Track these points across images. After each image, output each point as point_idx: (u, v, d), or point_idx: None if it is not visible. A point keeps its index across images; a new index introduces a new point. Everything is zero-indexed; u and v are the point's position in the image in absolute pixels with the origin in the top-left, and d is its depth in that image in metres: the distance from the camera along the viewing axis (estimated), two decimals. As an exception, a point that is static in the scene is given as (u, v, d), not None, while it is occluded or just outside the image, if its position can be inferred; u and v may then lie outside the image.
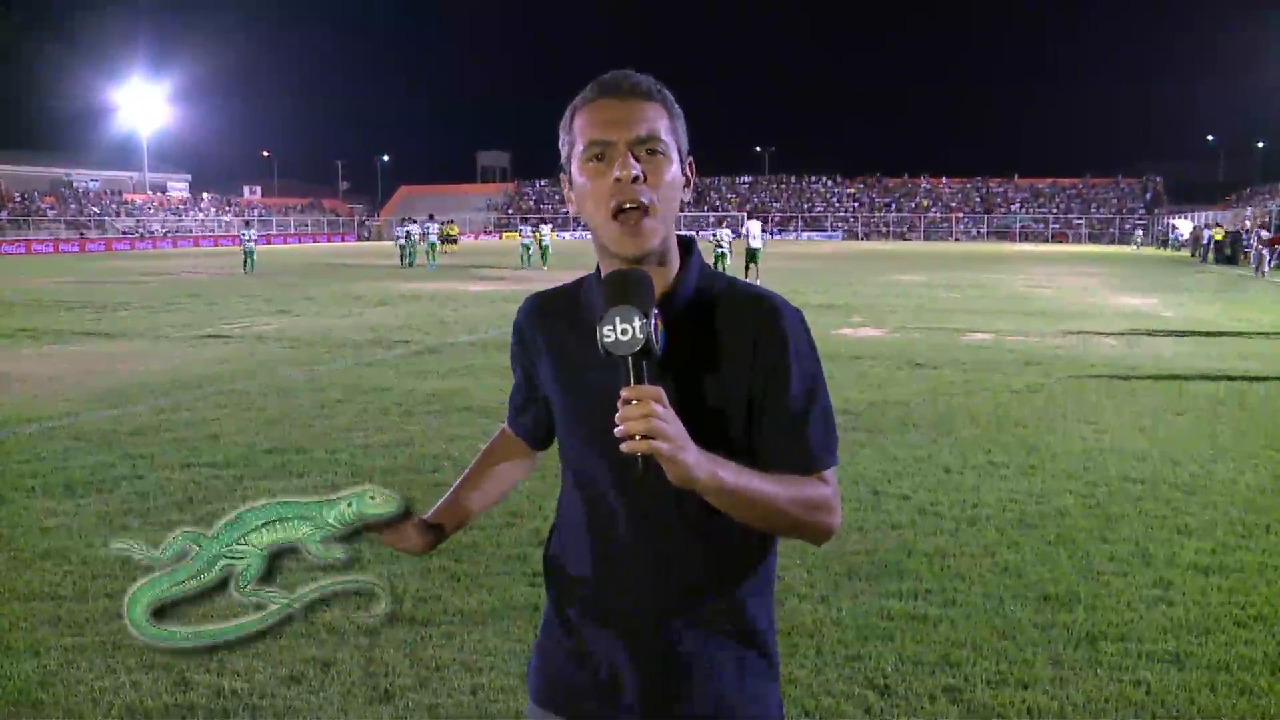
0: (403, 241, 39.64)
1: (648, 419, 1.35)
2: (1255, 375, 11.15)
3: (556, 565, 1.73)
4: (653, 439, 1.35)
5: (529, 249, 38.45)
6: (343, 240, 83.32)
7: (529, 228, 41.17)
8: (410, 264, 37.98)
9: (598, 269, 1.65)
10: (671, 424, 1.37)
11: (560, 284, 1.78)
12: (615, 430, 1.37)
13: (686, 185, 1.62)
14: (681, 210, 1.63)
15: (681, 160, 1.60)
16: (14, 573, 4.87)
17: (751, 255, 25.40)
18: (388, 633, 4.16)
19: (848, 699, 3.69)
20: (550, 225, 43.22)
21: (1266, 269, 32.84)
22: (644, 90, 1.55)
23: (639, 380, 1.39)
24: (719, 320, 1.57)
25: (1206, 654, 4.04)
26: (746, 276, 23.72)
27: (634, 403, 1.37)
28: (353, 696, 3.72)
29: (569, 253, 44.52)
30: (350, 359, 12.35)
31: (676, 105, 1.60)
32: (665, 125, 1.56)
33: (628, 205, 1.52)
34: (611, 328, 1.40)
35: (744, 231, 27.21)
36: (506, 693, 3.73)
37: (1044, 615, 4.43)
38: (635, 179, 1.51)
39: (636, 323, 1.39)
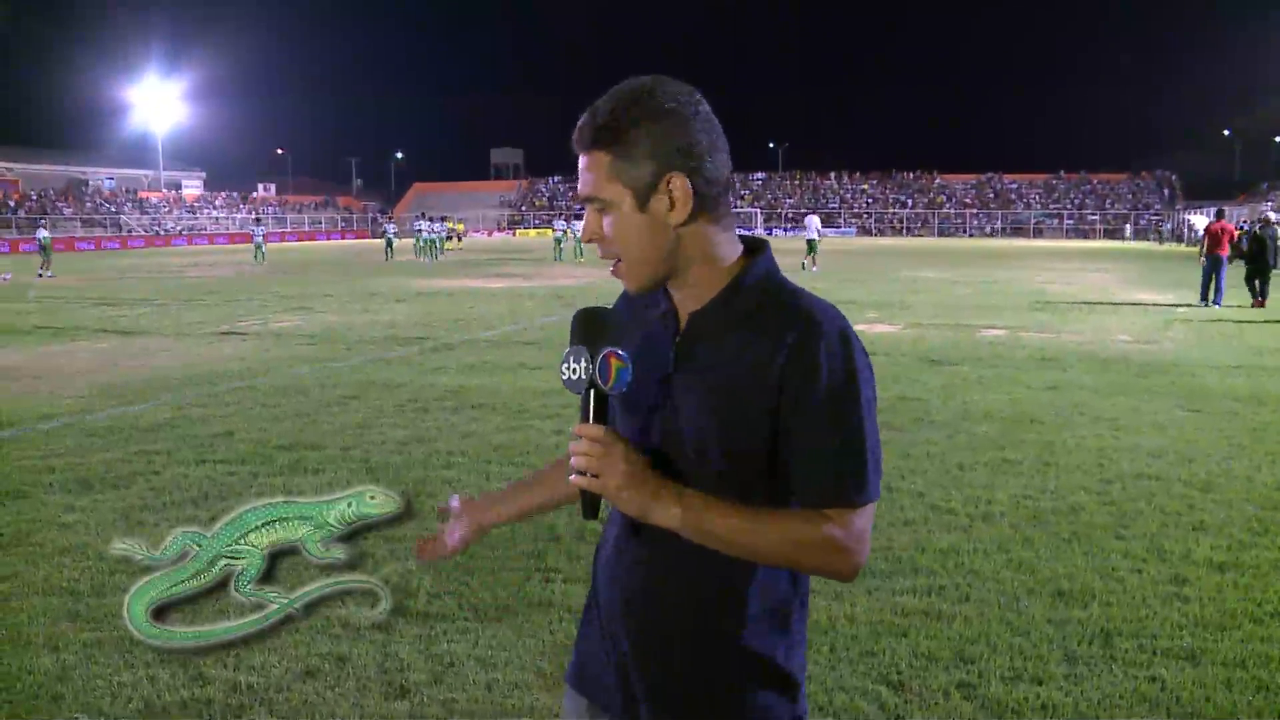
0: (392, 235, 43.01)
1: (585, 457, 1.45)
2: (1272, 371, 11.10)
3: (597, 552, 1.77)
4: (597, 477, 1.45)
5: (560, 243, 39.43)
6: (357, 237, 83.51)
7: (562, 222, 42.55)
8: (391, 259, 40.27)
9: None
10: (612, 463, 1.45)
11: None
12: (570, 463, 1.48)
13: (672, 208, 1.52)
14: (688, 223, 1.53)
15: (644, 194, 1.52)
16: (33, 568, 4.91)
17: (811, 246, 31.03)
18: (402, 628, 4.18)
19: (862, 695, 3.70)
20: (582, 221, 45.06)
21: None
22: (587, 141, 1.54)
23: (588, 417, 1.49)
24: (759, 330, 1.53)
25: (1222, 650, 4.03)
26: (804, 264, 29.41)
27: (580, 440, 1.46)
28: (368, 691, 3.74)
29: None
30: (366, 355, 12.39)
31: (636, 124, 1.50)
32: (606, 174, 1.52)
33: (604, 258, 1.59)
34: (566, 366, 1.50)
35: (805, 225, 33.20)
36: (521, 688, 3.75)
37: (1058, 611, 4.42)
38: (590, 240, 1.58)
39: (582, 363, 1.48)
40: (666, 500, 1.46)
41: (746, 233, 1.65)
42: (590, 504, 1.49)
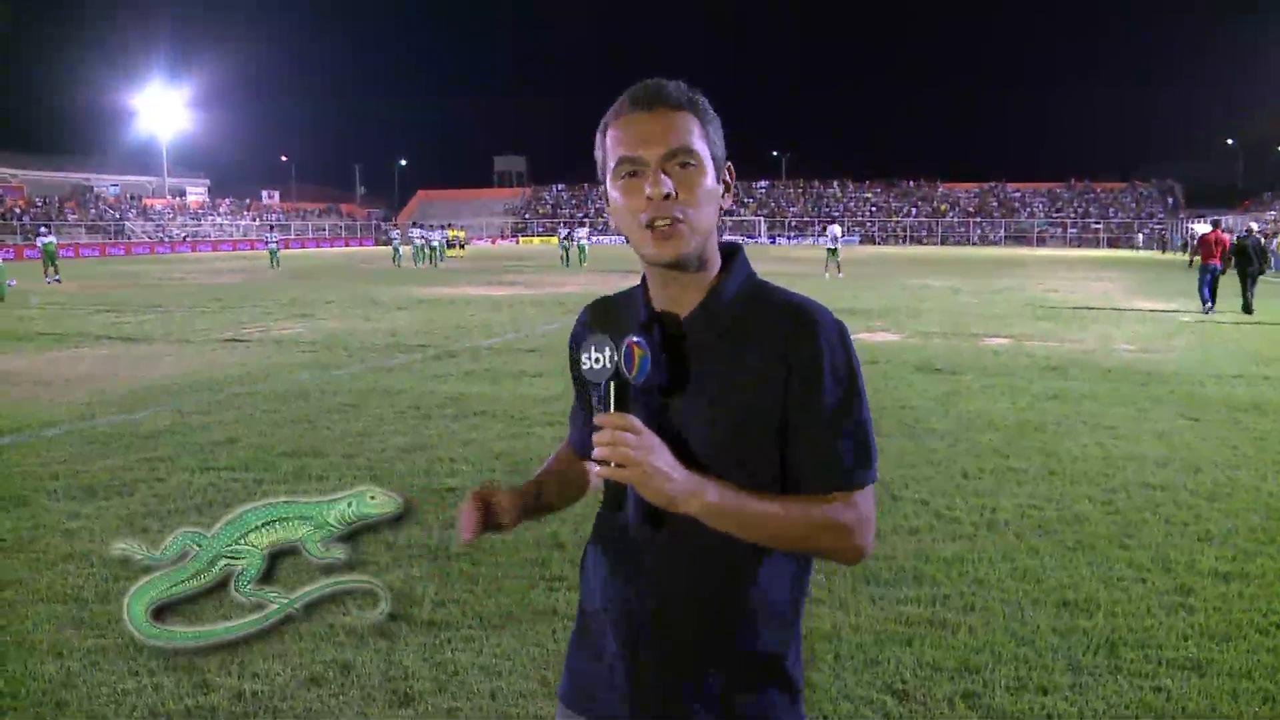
0: (398, 243, 44.43)
1: (614, 447, 1.42)
2: (1274, 380, 11.08)
3: (584, 562, 1.76)
4: (624, 466, 1.43)
5: (567, 251, 40.52)
6: (360, 244, 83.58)
7: (566, 230, 43.59)
8: (399, 264, 41.95)
9: (644, 276, 1.67)
10: (642, 451, 1.43)
11: (618, 290, 1.77)
12: (593, 454, 1.45)
13: (725, 192, 1.61)
14: (723, 218, 1.63)
15: (718, 168, 1.58)
16: (37, 575, 4.91)
17: (831, 253, 32.38)
18: (407, 636, 4.18)
19: (866, 704, 3.69)
20: (587, 229, 46.77)
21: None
22: (674, 100, 1.54)
23: (610, 407, 1.47)
24: (753, 330, 1.56)
25: (1228, 661, 4.02)
26: (826, 271, 31.08)
27: (604, 430, 1.44)
28: (372, 700, 3.73)
29: (605, 256, 45.55)
30: (368, 363, 12.40)
31: (710, 110, 1.59)
32: (697, 135, 1.54)
33: (659, 222, 1.53)
34: (588, 355, 1.49)
35: (826, 234, 34.74)
36: (525, 697, 3.74)
37: (1063, 621, 4.41)
38: (667, 196, 1.51)
39: (607, 352, 1.46)
40: (693, 488, 1.46)
41: (751, 240, 1.66)
42: (615, 495, 1.47)
